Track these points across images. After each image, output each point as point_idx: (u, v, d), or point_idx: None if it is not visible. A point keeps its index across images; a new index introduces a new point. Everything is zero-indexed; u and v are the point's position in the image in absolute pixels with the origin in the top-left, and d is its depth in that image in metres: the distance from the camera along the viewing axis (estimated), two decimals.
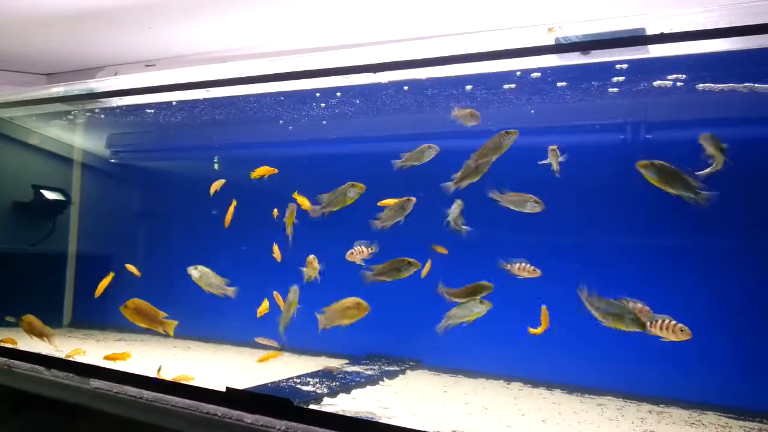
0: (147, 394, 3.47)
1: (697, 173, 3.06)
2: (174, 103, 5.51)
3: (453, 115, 3.74)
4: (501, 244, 4.33)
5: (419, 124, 5.28)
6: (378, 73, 4.10)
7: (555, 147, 3.56)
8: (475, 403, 3.75)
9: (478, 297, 3.56)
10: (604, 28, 3.28)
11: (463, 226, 3.75)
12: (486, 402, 3.81)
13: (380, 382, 4.23)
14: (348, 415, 3.21)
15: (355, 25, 4.46)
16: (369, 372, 4.44)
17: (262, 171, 4.26)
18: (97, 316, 6.41)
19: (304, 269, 3.97)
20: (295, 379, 4.07)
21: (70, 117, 6.42)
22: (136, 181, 7.07)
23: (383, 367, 4.66)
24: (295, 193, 4.16)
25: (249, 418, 3.06)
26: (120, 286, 4.88)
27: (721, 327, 3.86)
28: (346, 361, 4.90)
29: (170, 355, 5.18)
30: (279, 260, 4.53)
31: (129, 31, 4.86)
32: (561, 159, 3.54)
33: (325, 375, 4.27)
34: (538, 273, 3.49)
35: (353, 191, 3.67)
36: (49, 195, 6.60)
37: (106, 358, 4.17)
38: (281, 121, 5.74)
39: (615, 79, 3.96)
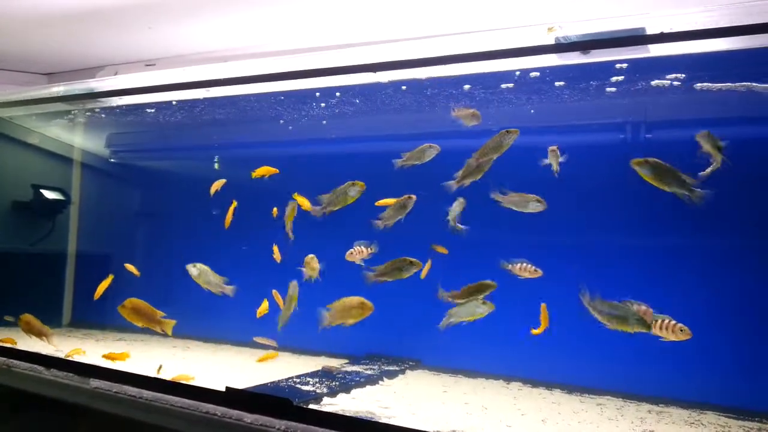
0: (146, 393, 3.47)
1: (699, 174, 3.05)
2: (174, 102, 5.51)
3: (453, 115, 3.74)
4: (501, 244, 4.34)
5: (419, 123, 5.28)
6: (378, 73, 4.10)
7: (555, 147, 3.56)
8: (474, 403, 3.75)
9: (481, 297, 3.57)
10: (604, 28, 3.28)
11: (459, 225, 3.75)
12: (486, 402, 3.81)
13: (380, 382, 4.23)
14: (348, 414, 3.21)
15: (355, 24, 4.47)
16: (369, 372, 4.44)
17: (263, 171, 4.26)
18: (97, 316, 6.39)
19: (304, 269, 3.98)
20: (294, 379, 4.06)
21: (70, 116, 6.42)
22: (136, 181, 7.06)
23: (383, 366, 4.66)
24: (295, 194, 4.16)
25: (248, 417, 3.06)
26: (120, 286, 4.88)
27: (721, 327, 3.85)
28: (346, 361, 4.89)
29: (170, 354, 5.18)
30: (279, 261, 4.53)
31: (129, 30, 4.86)
32: (561, 159, 3.54)
33: (324, 375, 4.27)
34: (540, 273, 3.49)
35: (354, 190, 3.67)
36: (49, 194, 6.59)
37: (105, 356, 4.17)
38: (281, 121, 5.74)
39: (614, 78, 3.97)
